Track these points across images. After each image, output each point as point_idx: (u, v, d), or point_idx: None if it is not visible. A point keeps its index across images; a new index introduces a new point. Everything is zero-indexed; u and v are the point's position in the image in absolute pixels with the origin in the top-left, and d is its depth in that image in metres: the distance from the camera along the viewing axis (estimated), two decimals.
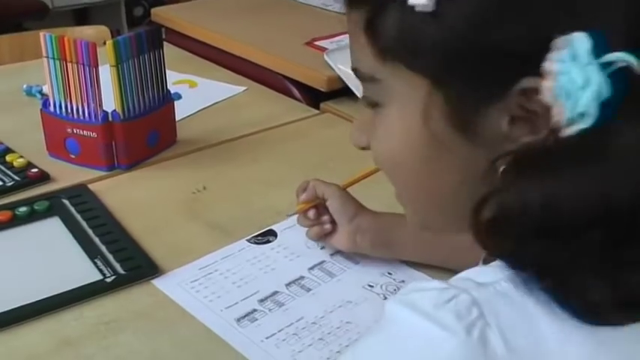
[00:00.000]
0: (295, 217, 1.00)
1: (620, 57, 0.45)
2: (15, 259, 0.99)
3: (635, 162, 0.44)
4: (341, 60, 1.47)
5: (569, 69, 0.45)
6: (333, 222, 0.97)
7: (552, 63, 0.46)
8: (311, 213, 0.97)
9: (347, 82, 1.44)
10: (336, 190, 0.97)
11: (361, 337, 0.55)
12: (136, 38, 1.17)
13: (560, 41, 0.46)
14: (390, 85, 0.53)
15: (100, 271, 0.94)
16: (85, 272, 0.94)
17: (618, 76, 0.45)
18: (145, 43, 1.19)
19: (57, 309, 0.88)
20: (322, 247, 1.00)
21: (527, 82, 0.47)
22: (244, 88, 1.58)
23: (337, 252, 0.99)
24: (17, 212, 1.06)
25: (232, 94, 1.55)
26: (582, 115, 0.45)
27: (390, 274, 0.95)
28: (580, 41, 0.45)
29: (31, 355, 0.82)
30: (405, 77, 0.52)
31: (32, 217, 1.06)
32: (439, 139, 0.52)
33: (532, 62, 0.47)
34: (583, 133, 0.45)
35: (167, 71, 1.25)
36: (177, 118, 1.32)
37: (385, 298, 0.90)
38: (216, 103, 1.50)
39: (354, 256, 0.98)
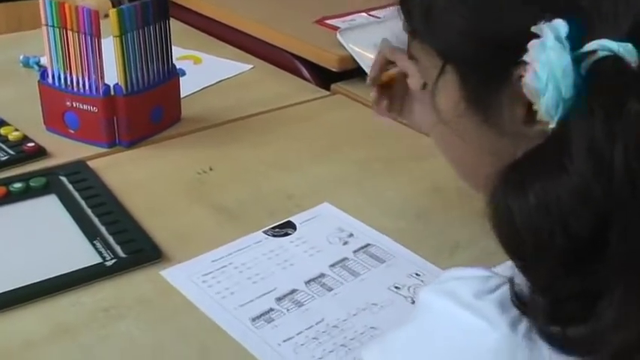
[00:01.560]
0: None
1: (604, 45, 0.41)
2: (8, 238, 0.93)
3: (582, 174, 0.40)
4: (354, 39, 1.40)
5: (538, 57, 0.42)
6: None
7: (528, 51, 0.43)
8: (373, 94, 0.93)
9: (360, 63, 1.38)
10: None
11: (390, 330, 0.51)
12: (142, 8, 1.11)
13: (536, 28, 0.43)
14: (424, 64, 0.55)
15: (100, 253, 0.88)
16: (84, 255, 0.88)
17: (600, 67, 0.41)
18: (151, 13, 1.13)
19: (53, 293, 0.82)
20: (345, 243, 0.93)
21: (519, 70, 0.45)
22: (251, 66, 1.51)
23: (361, 249, 0.93)
24: (11, 188, 1.00)
25: (238, 72, 1.49)
26: (549, 115, 0.43)
27: (417, 275, 0.88)
28: (552, 29, 0.42)
29: (25, 341, 0.77)
30: (432, 57, 0.52)
31: (27, 193, 1.00)
32: (461, 123, 0.52)
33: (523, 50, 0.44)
34: (547, 139, 0.43)
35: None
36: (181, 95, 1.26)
37: (413, 303, 0.83)
38: (222, 80, 1.44)
39: (379, 253, 0.92)
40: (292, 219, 0.98)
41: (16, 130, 1.16)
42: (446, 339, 0.45)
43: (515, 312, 0.43)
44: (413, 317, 0.48)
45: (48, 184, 1.02)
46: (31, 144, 1.12)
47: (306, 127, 1.28)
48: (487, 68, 0.48)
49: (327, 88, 1.44)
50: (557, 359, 0.42)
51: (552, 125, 0.43)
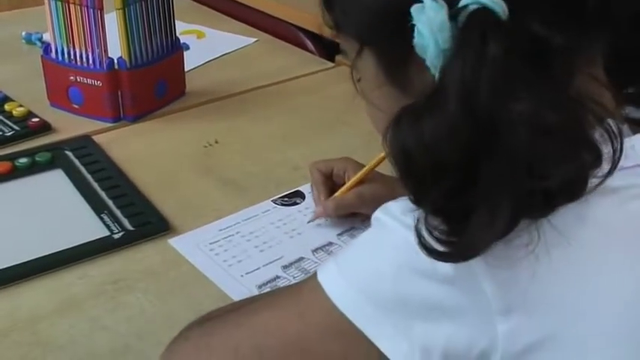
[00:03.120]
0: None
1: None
2: (15, 213, 0.93)
3: (455, 114, 0.44)
4: None
5: (419, 18, 0.46)
6: None
7: (412, 15, 0.47)
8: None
9: None
10: (358, 201, 0.88)
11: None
12: None
13: None
14: (350, 55, 0.57)
15: (107, 226, 0.87)
16: (91, 228, 0.87)
17: (472, 19, 0.45)
18: None
19: (61, 267, 0.82)
20: (353, 213, 0.92)
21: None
22: (255, 39, 1.50)
23: (368, 218, 0.91)
24: (17, 163, 0.99)
25: (242, 46, 1.47)
26: (434, 67, 0.47)
27: None
28: None
29: (33, 315, 0.76)
30: (354, 46, 0.55)
31: (33, 168, 1.00)
32: (382, 98, 0.56)
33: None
34: (433, 85, 0.47)
35: None
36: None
37: None
38: (226, 54, 1.43)
39: None
40: (301, 188, 0.97)
41: (21, 105, 1.15)
42: (380, 240, 0.53)
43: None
44: (364, 236, 0.56)
45: (53, 159, 1.01)
46: (35, 119, 1.11)
47: (311, 100, 1.27)
48: (393, 42, 0.51)
49: (332, 60, 1.43)
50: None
51: (436, 75, 0.47)
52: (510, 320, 0.48)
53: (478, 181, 0.45)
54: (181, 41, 1.23)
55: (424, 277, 0.50)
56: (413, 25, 0.47)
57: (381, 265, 0.52)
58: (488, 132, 0.44)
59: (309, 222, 0.91)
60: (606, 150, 0.47)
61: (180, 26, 1.33)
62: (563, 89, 0.45)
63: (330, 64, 1.41)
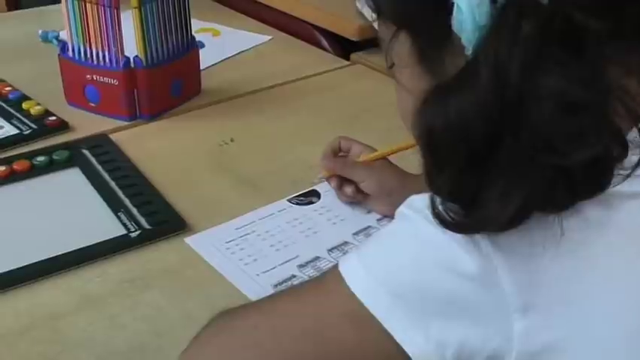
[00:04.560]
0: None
1: None
2: (33, 211, 0.93)
3: (485, 91, 0.44)
4: None
5: None
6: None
7: None
8: (333, 183, 0.94)
9: None
10: (366, 173, 0.91)
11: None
12: None
13: None
14: (387, 42, 0.57)
15: (124, 225, 0.88)
16: (108, 226, 0.88)
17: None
18: None
19: (78, 265, 0.83)
20: (369, 212, 0.93)
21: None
22: (269, 37, 1.50)
23: (384, 217, 0.92)
24: (35, 162, 1.00)
25: (257, 44, 1.48)
26: (470, 43, 0.47)
27: None
28: None
29: (52, 313, 0.77)
30: (388, 26, 0.55)
31: (51, 167, 1.00)
32: (414, 81, 0.55)
33: None
34: (467, 62, 0.47)
35: None
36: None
37: None
38: (241, 52, 1.44)
39: None
40: (317, 187, 0.98)
41: (38, 104, 1.16)
42: (402, 234, 0.54)
43: None
44: (387, 229, 0.56)
45: (71, 157, 1.02)
46: (52, 118, 1.12)
47: (326, 98, 1.27)
48: (430, 24, 0.51)
49: (347, 58, 1.43)
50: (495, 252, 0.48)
51: (469, 52, 0.47)
52: (527, 318, 0.48)
53: (498, 157, 0.45)
54: (196, 39, 1.23)
55: (445, 270, 0.50)
56: (451, 4, 0.47)
57: (402, 257, 0.53)
58: (516, 107, 0.44)
59: (319, 177, 0.94)
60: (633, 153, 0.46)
61: (196, 24, 1.34)
62: (594, 73, 0.45)
63: (346, 63, 1.41)
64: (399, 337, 0.51)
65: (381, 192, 0.91)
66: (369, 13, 1.38)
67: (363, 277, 0.54)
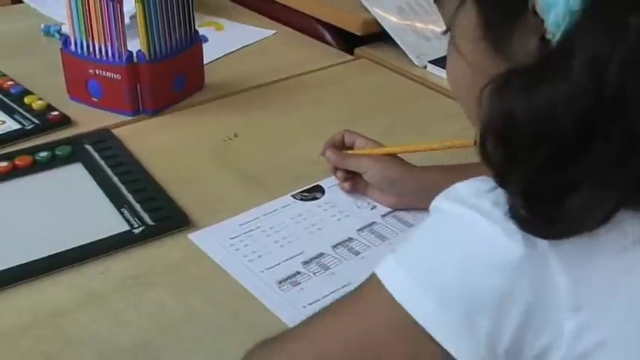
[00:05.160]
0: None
1: None
2: (36, 207, 0.93)
3: (579, 84, 0.42)
4: (378, 3, 1.38)
5: None
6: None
7: None
8: (339, 174, 0.94)
9: (384, 26, 1.35)
10: (370, 163, 0.91)
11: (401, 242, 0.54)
12: None
13: None
14: (447, 6, 0.55)
15: (128, 221, 0.87)
16: (111, 223, 0.87)
17: None
18: None
19: (81, 262, 0.82)
20: (373, 208, 0.92)
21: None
22: (273, 31, 1.49)
23: (389, 213, 0.92)
24: (37, 157, 0.99)
25: (261, 38, 1.47)
26: (557, 27, 0.44)
27: None
28: None
29: (55, 310, 0.76)
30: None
31: (53, 162, 0.99)
32: (475, 52, 0.52)
33: None
34: (552, 49, 0.44)
35: None
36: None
37: None
38: (244, 47, 1.43)
39: (407, 218, 0.90)
40: (321, 183, 0.97)
41: (40, 99, 1.15)
42: (453, 233, 0.50)
43: (506, 208, 0.47)
44: (424, 223, 0.52)
45: (73, 152, 1.01)
46: (55, 113, 1.11)
47: (330, 93, 1.26)
48: (508, 1, 0.49)
49: (351, 53, 1.42)
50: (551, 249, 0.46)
51: (557, 37, 0.44)
52: (578, 317, 0.47)
53: (586, 158, 0.42)
54: (200, 34, 1.22)
55: (492, 268, 0.47)
56: None
57: (445, 255, 0.49)
58: (613, 106, 0.41)
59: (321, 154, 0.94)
60: None
61: (199, 18, 1.33)
62: None
63: (350, 57, 1.40)
64: (445, 342, 0.49)
65: (386, 182, 0.90)
66: (372, 9, 1.37)
67: (403, 280, 0.50)
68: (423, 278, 0.50)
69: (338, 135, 0.95)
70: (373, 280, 0.52)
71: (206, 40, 1.36)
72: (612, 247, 0.46)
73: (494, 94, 0.45)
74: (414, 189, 0.90)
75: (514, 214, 0.46)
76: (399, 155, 0.92)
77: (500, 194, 0.47)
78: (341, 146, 0.95)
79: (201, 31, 1.31)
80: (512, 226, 0.46)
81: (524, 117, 0.43)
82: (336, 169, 0.95)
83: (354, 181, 0.94)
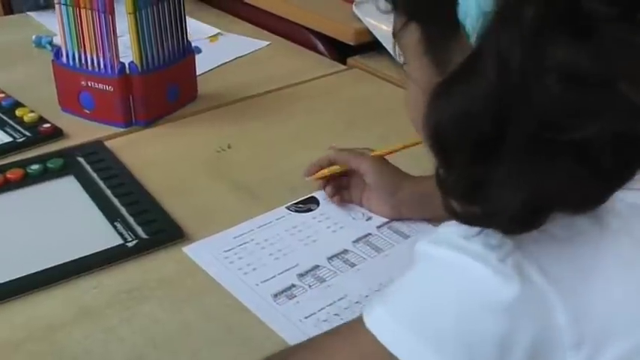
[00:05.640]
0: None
1: None
2: (27, 221, 0.92)
3: (488, 78, 0.43)
4: (370, 12, 1.37)
5: None
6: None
7: None
8: (328, 189, 0.94)
9: (376, 36, 1.35)
10: (370, 165, 0.91)
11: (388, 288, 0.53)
12: None
13: None
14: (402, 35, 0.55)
15: (121, 235, 0.86)
16: (104, 236, 0.86)
17: None
18: None
19: (74, 276, 0.81)
20: (369, 219, 0.92)
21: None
22: (267, 42, 1.49)
23: (384, 224, 0.91)
24: (29, 170, 0.98)
25: (255, 49, 1.47)
26: (473, 31, 0.45)
27: None
28: None
29: (48, 325, 0.76)
30: (400, 17, 0.54)
31: (45, 175, 0.99)
32: (427, 78, 0.53)
33: None
34: (470, 53, 0.45)
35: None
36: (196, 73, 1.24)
37: None
38: (238, 57, 1.42)
39: (403, 229, 0.90)
40: (315, 194, 0.96)
41: (32, 111, 1.14)
42: (444, 280, 0.49)
43: (502, 249, 0.46)
44: (411, 269, 0.51)
45: (65, 165, 1.00)
46: (47, 125, 1.11)
47: (323, 103, 1.26)
48: (437, 14, 0.50)
49: (344, 63, 1.42)
50: (550, 285, 0.45)
51: (473, 40, 0.46)
52: (580, 353, 0.46)
53: (505, 144, 0.43)
54: (193, 44, 1.22)
55: (489, 310, 0.46)
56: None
57: (439, 303, 0.48)
58: (519, 88, 0.42)
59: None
60: None
61: (192, 29, 1.33)
62: (602, 48, 0.42)
63: (343, 67, 1.40)
64: None
65: (383, 189, 0.90)
66: (364, 18, 1.37)
67: (394, 330, 0.49)
68: (420, 329, 0.49)
69: (324, 158, 0.94)
70: (364, 331, 0.51)
71: (199, 51, 1.35)
72: (604, 272, 0.46)
73: (427, 108, 0.46)
74: (408, 197, 0.90)
75: (468, 220, 0.47)
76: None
77: (490, 236, 0.47)
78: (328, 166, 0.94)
79: (195, 42, 1.30)
80: (505, 267, 0.46)
81: (449, 122, 0.45)
82: (325, 184, 0.95)
83: (346, 194, 0.94)
